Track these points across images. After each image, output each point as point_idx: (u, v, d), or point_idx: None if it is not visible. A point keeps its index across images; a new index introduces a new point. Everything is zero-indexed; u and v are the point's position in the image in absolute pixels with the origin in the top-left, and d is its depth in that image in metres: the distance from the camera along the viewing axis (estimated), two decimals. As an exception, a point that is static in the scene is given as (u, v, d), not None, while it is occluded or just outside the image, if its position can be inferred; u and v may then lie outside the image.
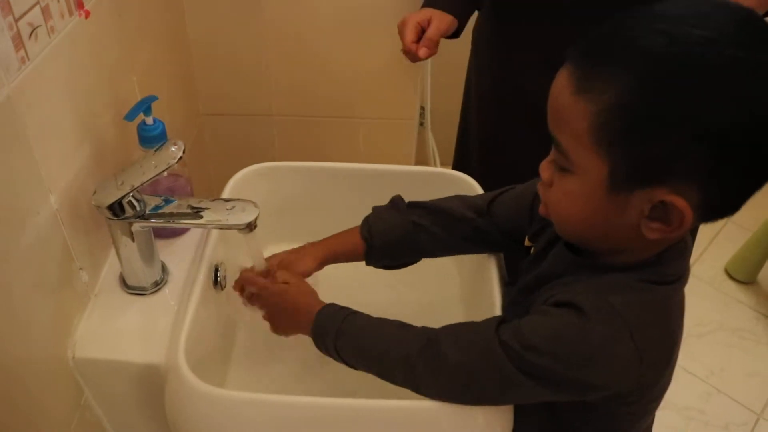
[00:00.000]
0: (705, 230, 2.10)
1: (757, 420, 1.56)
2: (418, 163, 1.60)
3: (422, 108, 1.74)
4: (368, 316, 0.73)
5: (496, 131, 1.19)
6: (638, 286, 0.61)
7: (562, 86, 0.57)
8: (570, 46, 0.57)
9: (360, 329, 0.72)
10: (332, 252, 0.86)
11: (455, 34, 1.07)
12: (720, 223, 2.11)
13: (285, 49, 1.29)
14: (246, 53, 1.30)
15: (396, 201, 0.86)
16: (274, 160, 0.97)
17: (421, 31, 1.02)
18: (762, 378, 1.65)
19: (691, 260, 1.91)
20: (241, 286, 0.84)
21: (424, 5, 1.06)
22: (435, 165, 1.82)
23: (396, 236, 0.84)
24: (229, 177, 0.98)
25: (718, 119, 0.50)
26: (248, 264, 0.84)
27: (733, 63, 0.50)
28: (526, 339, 0.61)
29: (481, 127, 1.23)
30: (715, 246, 2.01)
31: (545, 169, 0.63)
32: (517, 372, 0.62)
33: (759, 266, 1.89)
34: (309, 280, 0.82)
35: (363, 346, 0.71)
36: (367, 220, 0.85)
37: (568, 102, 0.55)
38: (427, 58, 1.01)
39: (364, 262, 0.87)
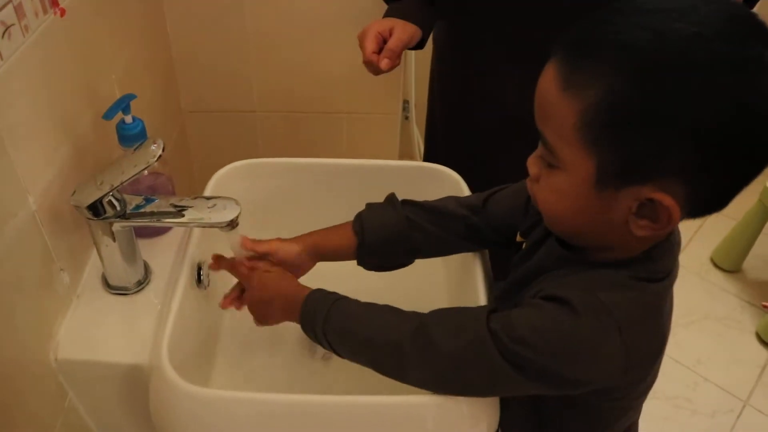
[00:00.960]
0: (690, 221, 2.10)
1: (744, 407, 1.58)
2: (402, 155, 1.60)
3: (406, 101, 1.75)
4: (357, 301, 0.72)
5: (462, 132, 1.19)
6: (629, 283, 0.61)
7: (548, 82, 0.56)
8: (558, 38, 0.56)
9: (348, 315, 0.71)
10: (321, 244, 0.84)
11: (420, 45, 1.04)
12: (705, 212, 2.12)
13: (267, 45, 1.29)
14: (228, 50, 1.29)
15: (390, 198, 0.84)
16: (257, 156, 0.96)
17: (383, 42, 0.97)
18: (748, 365, 1.68)
19: (677, 250, 1.90)
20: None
21: (386, 15, 1.02)
22: (420, 157, 1.82)
23: (389, 233, 0.81)
24: (212, 174, 0.97)
25: (705, 116, 0.50)
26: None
27: (720, 59, 0.49)
28: (515, 331, 0.61)
29: (448, 127, 1.23)
30: (700, 236, 2.03)
31: (533, 164, 0.62)
32: (504, 363, 0.61)
33: (744, 255, 1.92)
34: None
35: (351, 332, 0.70)
36: (360, 215, 0.84)
37: (554, 98, 0.55)
38: (389, 69, 0.97)
39: (352, 262, 0.85)
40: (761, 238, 1.87)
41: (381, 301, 0.73)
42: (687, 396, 1.60)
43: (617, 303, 0.59)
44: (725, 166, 0.53)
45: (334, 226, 0.85)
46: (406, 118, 1.82)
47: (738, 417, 1.56)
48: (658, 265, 0.62)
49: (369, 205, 0.84)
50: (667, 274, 0.63)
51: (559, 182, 0.59)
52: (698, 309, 1.82)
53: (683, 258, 2.03)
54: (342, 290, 0.77)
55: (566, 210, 0.60)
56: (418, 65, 1.54)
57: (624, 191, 0.55)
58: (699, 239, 2.02)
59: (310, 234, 0.85)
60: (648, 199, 0.54)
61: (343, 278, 0.89)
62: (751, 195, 1.83)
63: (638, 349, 0.61)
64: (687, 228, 2.06)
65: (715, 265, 1.95)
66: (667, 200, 0.53)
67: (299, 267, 0.84)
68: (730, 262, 1.93)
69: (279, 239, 0.84)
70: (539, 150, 0.61)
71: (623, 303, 0.60)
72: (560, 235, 0.66)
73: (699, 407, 1.57)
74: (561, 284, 0.63)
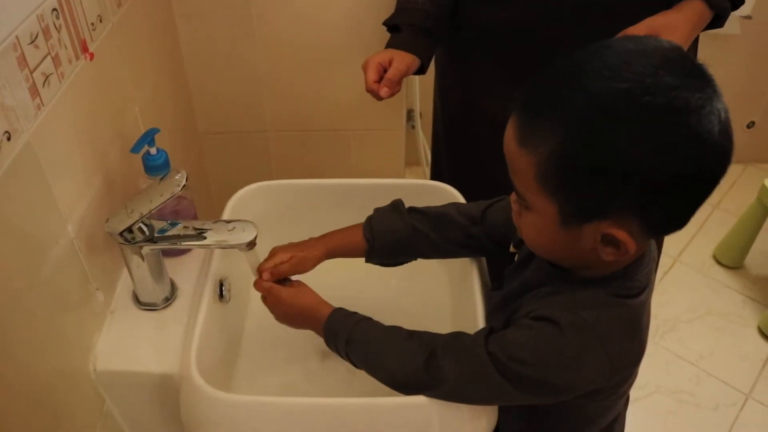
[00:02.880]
0: (693, 218, 2.13)
1: (746, 400, 1.62)
2: (409, 163, 1.66)
3: (411, 110, 1.81)
4: (375, 327, 0.79)
5: (463, 146, 1.26)
6: (608, 300, 0.68)
7: (510, 138, 0.63)
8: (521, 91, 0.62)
9: (368, 342, 0.78)
10: (334, 249, 0.91)
11: (421, 71, 1.11)
12: (707, 210, 2.17)
13: (278, 68, 1.36)
14: (240, 75, 1.37)
15: (397, 205, 0.92)
16: (270, 172, 1.03)
17: (383, 71, 1.04)
18: (750, 360, 1.72)
19: (680, 248, 1.97)
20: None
21: (388, 45, 1.10)
22: (426, 165, 1.88)
23: (396, 238, 0.89)
24: (229, 190, 1.04)
25: (638, 163, 0.56)
26: (249, 277, 0.91)
27: (647, 111, 0.55)
28: (510, 350, 0.68)
29: (450, 142, 1.30)
30: (703, 233, 2.07)
31: (514, 201, 0.69)
32: (503, 380, 0.69)
33: (745, 251, 1.95)
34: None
35: (371, 356, 0.78)
36: (369, 221, 0.91)
37: (515, 153, 0.62)
38: (388, 97, 1.04)
39: (361, 266, 0.93)
40: (762, 234, 1.90)
41: (391, 309, 0.80)
42: (690, 390, 1.64)
43: (598, 320, 0.66)
44: (670, 201, 0.59)
45: (346, 231, 0.92)
46: (413, 127, 1.88)
47: (741, 410, 1.60)
48: (634, 281, 0.68)
49: (377, 211, 0.92)
50: (643, 289, 0.69)
51: (533, 220, 0.66)
52: (701, 305, 1.86)
53: (686, 256, 2.07)
54: (353, 293, 0.85)
55: (543, 242, 0.68)
56: (422, 76, 1.60)
57: (586, 227, 0.62)
58: (701, 237, 2.06)
59: (325, 240, 0.92)
60: (607, 233, 0.61)
61: (354, 283, 0.99)
62: (750, 192, 1.87)
63: (620, 358, 0.68)
64: (688, 226, 2.07)
65: (717, 262, 1.99)
66: (621, 234, 0.60)
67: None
68: (731, 259, 1.97)
69: (296, 249, 0.90)
70: (515, 193, 0.68)
71: (603, 319, 0.67)
72: (544, 258, 0.73)
73: (702, 401, 1.62)
74: (548, 304, 0.70)
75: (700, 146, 0.56)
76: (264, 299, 0.88)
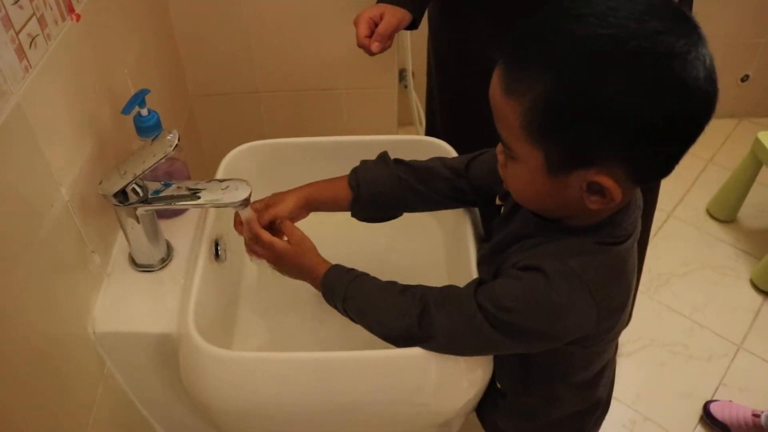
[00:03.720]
0: (686, 173, 2.15)
1: (737, 350, 1.65)
2: (403, 123, 1.65)
3: (404, 70, 1.79)
4: (371, 281, 0.80)
5: (454, 95, 1.26)
6: (594, 248, 0.68)
7: (495, 87, 0.63)
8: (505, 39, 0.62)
9: (364, 299, 0.79)
10: (316, 196, 0.90)
11: (413, 26, 1.10)
12: (701, 164, 2.16)
13: (266, 28, 1.34)
14: (229, 35, 1.35)
15: (383, 156, 0.92)
16: (262, 134, 1.03)
17: (375, 26, 1.04)
18: (742, 311, 1.74)
19: (674, 202, 1.98)
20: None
21: (378, 1, 1.08)
22: (420, 124, 1.87)
23: (382, 189, 0.89)
24: (222, 152, 1.04)
25: (624, 107, 0.56)
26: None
27: (634, 57, 0.55)
28: (499, 301, 0.70)
29: (444, 100, 1.29)
30: (696, 188, 2.08)
31: (500, 152, 0.69)
32: (492, 330, 0.70)
33: (738, 205, 1.96)
34: None
35: (367, 312, 0.79)
36: (355, 171, 0.91)
37: (500, 102, 0.62)
38: (380, 52, 1.04)
39: (347, 215, 0.92)
40: (755, 187, 1.91)
41: (387, 260, 0.80)
42: (684, 342, 1.66)
43: (586, 267, 0.67)
44: (655, 147, 0.59)
45: (330, 180, 0.92)
46: (405, 87, 1.87)
47: (732, 360, 1.63)
48: (619, 229, 0.69)
49: (363, 162, 0.92)
50: (629, 236, 0.70)
51: (519, 171, 0.66)
52: (695, 259, 1.87)
53: (680, 210, 2.08)
54: (346, 252, 0.85)
55: (530, 192, 0.68)
56: (414, 35, 1.59)
57: (572, 175, 0.62)
58: (695, 191, 2.06)
59: (307, 186, 0.91)
60: (593, 181, 0.61)
61: (348, 241, 1.00)
62: (744, 146, 1.87)
63: (607, 305, 0.69)
64: (683, 181, 2.11)
65: (711, 216, 2.00)
66: (607, 182, 0.61)
67: (294, 219, 0.90)
68: (725, 213, 1.98)
69: (276, 196, 0.90)
70: (501, 144, 0.68)
71: (591, 267, 0.67)
72: (531, 209, 0.73)
73: (695, 352, 1.64)
74: (536, 254, 0.70)
75: (685, 91, 0.56)
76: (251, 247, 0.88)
